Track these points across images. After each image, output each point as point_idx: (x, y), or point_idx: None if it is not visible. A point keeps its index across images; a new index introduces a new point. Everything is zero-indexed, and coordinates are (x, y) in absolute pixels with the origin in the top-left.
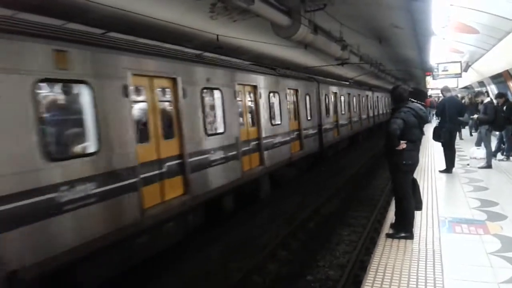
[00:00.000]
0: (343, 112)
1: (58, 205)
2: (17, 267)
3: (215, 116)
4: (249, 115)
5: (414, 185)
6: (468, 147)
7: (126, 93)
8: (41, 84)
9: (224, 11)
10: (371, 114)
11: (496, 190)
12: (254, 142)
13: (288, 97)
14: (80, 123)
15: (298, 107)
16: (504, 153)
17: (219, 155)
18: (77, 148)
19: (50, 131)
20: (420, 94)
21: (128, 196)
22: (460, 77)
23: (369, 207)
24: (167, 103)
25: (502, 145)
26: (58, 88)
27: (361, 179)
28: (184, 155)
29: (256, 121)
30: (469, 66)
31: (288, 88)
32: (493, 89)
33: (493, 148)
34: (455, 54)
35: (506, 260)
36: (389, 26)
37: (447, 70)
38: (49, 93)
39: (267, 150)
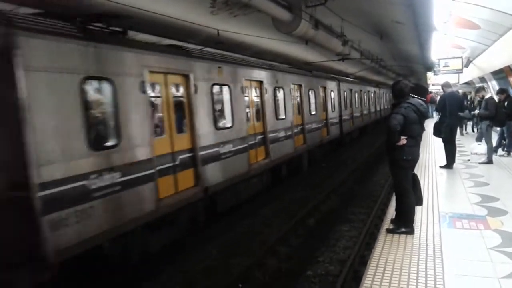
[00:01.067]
0: (356, 106)
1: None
2: (208, 185)
3: (276, 107)
4: (296, 107)
5: (415, 180)
6: (469, 143)
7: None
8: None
9: (224, 6)
10: (378, 108)
11: (496, 185)
12: (301, 127)
13: (320, 93)
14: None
15: (326, 101)
16: (505, 149)
17: (283, 133)
18: None
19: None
20: (421, 89)
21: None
22: (461, 72)
23: (369, 203)
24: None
25: (503, 140)
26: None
27: (363, 172)
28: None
29: (301, 112)
30: (470, 61)
31: (320, 86)
32: (494, 85)
33: (494, 144)
34: (456, 49)
35: (506, 255)
36: (390, 22)
37: (448, 66)
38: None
39: (308, 133)
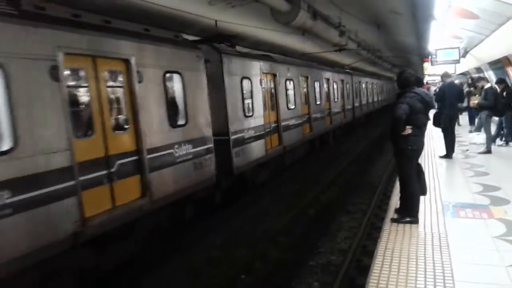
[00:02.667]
0: (364, 96)
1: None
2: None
3: (316, 95)
4: (324, 97)
5: (419, 170)
6: (466, 133)
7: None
8: None
9: None
10: (380, 98)
11: (497, 175)
12: (328, 111)
13: (340, 84)
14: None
15: (344, 91)
16: (503, 139)
17: (319, 115)
18: None
19: None
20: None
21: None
22: (458, 63)
23: (368, 194)
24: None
25: (501, 131)
26: None
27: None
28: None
29: (327, 99)
30: (467, 52)
31: (340, 79)
32: (490, 75)
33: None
34: (453, 40)
35: None
36: (388, 12)
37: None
38: None
39: (333, 116)
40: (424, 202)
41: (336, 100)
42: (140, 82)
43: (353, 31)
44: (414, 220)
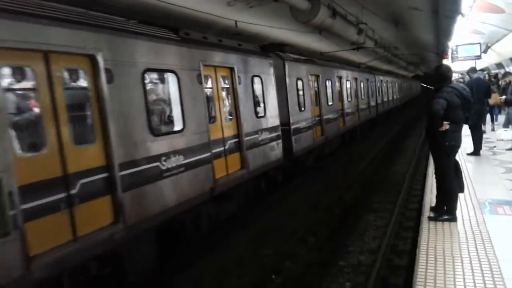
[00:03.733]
0: (385, 94)
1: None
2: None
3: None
4: (354, 94)
5: (457, 167)
6: (489, 129)
7: None
8: None
9: None
10: (398, 96)
11: None
12: (356, 107)
13: (366, 83)
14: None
15: (369, 89)
16: None
17: (350, 110)
18: None
19: None
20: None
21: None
22: (480, 58)
23: (392, 191)
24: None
25: None
26: None
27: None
28: None
29: (356, 97)
30: (489, 47)
31: (365, 79)
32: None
33: None
34: (474, 35)
35: None
36: (407, 8)
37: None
38: None
39: (361, 112)
40: (459, 200)
41: (363, 97)
42: (239, 83)
43: (370, 29)
44: (453, 218)
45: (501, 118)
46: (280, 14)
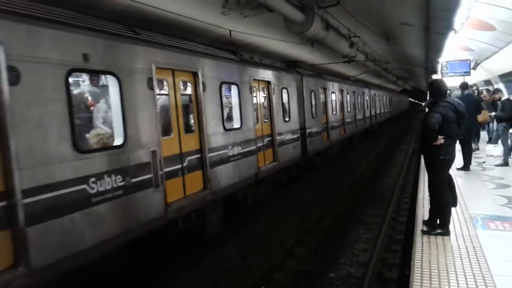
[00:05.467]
0: (378, 107)
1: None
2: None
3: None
4: (352, 106)
5: (450, 181)
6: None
7: None
8: None
9: (236, 6)
10: (389, 109)
11: None
12: (354, 118)
13: (362, 97)
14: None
15: (364, 102)
16: None
17: (361, 117)
18: None
19: None
20: (420, 93)
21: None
22: (469, 75)
23: (381, 204)
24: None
25: None
26: None
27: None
28: None
29: (354, 108)
30: (478, 64)
31: (361, 92)
32: (501, 88)
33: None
34: (463, 52)
35: None
36: (399, 24)
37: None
38: None
39: (358, 122)
40: (452, 214)
41: (359, 109)
42: (273, 94)
43: (362, 42)
44: (446, 232)
45: (484, 134)
46: (273, 25)
